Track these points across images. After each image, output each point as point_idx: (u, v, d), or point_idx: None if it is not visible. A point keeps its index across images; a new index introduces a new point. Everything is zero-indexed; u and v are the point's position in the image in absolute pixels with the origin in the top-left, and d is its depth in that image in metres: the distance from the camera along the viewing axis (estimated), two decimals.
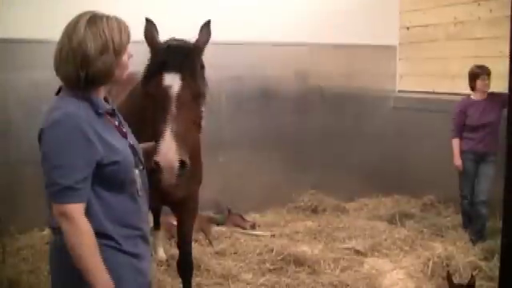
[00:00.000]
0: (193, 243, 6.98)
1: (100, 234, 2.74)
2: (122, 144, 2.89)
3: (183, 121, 3.52)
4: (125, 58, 2.85)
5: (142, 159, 3.07)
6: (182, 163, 3.37)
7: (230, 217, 8.29)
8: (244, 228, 8.08)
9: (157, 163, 3.31)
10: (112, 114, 2.97)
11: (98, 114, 2.81)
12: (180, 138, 3.41)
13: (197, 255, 6.46)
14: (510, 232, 2.22)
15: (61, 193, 2.64)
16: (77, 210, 2.66)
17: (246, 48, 8.53)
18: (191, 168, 3.52)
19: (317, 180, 9.27)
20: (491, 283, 6.03)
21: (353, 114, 9.59)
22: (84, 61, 2.70)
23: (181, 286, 5.26)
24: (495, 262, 6.37)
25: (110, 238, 2.81)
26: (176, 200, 4.67)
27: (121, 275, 2.82)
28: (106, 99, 2.98)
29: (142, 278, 2.99)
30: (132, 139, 3.05)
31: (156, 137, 3.44)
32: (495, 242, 6.74)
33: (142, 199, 3.02)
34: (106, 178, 2.77)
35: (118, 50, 2.78)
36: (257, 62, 8.72)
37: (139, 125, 3.39)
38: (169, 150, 3.33)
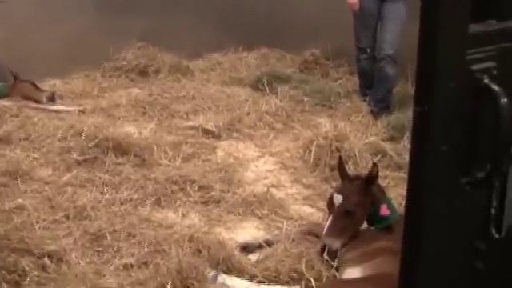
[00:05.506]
0: None
1: None
2: None
3: None
4: None
5: None
6: None
7: (16, 85, 8.40)
8: (38, 101, 8.19)
9: None
10: None
11: None
12: None
13: None
14: (425, 99, 2.06)
15: None
16: None
17: None
18: None
19: (146, 28, 9.44)
20: (398, 173, 6.30)
21: None
22: None
23: None
24: (404, 144, 6.67)
25: None
26: None
27: None
28: None
29: None
30: None
31: None
32: (405, 115, 6.99)
33: None
34: None
35: None
36: None
37: None
38: None
